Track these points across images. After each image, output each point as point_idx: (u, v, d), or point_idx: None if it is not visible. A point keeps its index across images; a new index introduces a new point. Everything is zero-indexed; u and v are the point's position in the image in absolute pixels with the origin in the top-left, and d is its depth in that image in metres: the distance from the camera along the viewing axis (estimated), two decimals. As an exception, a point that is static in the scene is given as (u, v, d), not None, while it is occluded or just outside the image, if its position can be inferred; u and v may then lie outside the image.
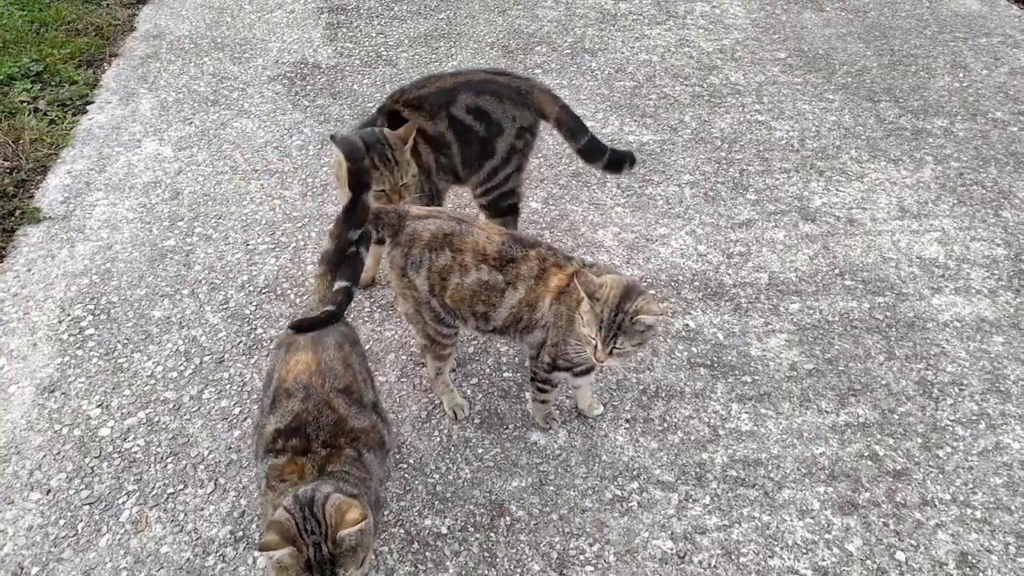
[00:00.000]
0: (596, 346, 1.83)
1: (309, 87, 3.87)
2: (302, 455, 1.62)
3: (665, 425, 2.28)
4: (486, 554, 1.95)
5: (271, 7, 4.63)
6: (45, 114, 3.55)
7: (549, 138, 3.51)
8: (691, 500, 2.08)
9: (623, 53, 4.27)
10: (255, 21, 4.48)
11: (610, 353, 1.83)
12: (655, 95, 3.89)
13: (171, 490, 2.09)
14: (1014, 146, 3.56)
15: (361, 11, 4.61)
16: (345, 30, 4.40)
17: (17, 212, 3.01)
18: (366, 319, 2.60)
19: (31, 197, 3.12)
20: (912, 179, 3.32)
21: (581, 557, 1.95)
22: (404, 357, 2.48)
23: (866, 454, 2.20)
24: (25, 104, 3.59)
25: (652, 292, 2.51)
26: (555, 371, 2.08)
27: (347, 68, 4.04)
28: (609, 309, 1.80)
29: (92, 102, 3.71)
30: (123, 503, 2.06)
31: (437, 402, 2.33)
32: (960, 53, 4.35)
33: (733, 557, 1.95)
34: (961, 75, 4.13)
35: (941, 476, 2.15)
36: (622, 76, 4.05)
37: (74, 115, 3.61)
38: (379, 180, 2.21)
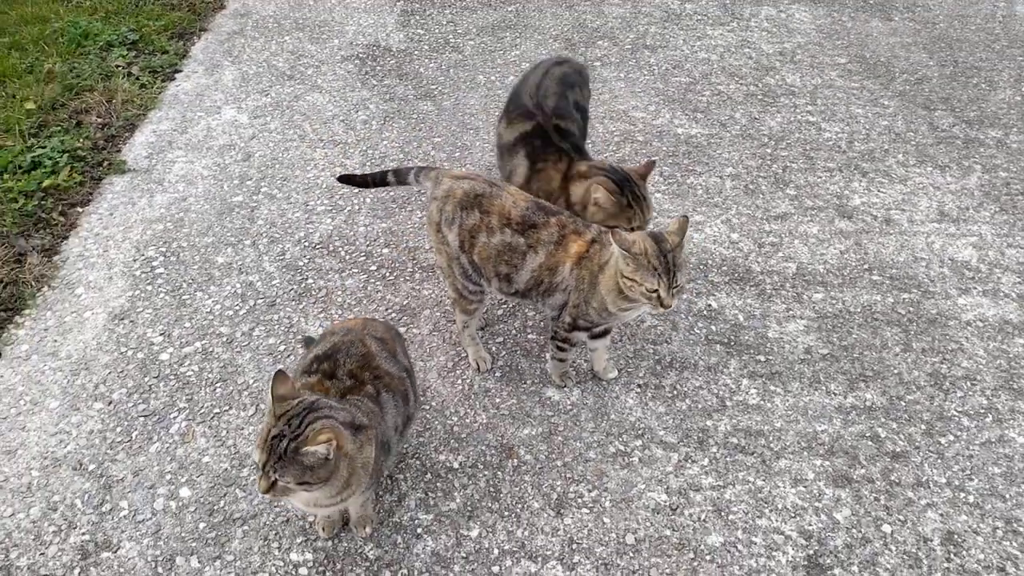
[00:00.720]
0: (660, 293, 1.94)
1: (379, 68, 4.11)
2: (329, 379, 1.81)
3: (675, 393, 2.40)
4: (491, 489, 2.12)
5: (351, -7, 4.90)
6: (137, 79, 3.87)
7: (600, 126, 3.66)
8: (690, 461, 2.20)
9: (683, 51, 4.37)
10: (335, 5, 4.75)
11: (674, 295, 1.96)
12: (709, 92, 3.99)
13: (217, 410, 2.32)
14: (1069, 160, 3.54)
15: (435, 0, 4.83)
16: (418, 17, 4.63)
17: (105, 163, 3.32)
18: (407, 278, 2.79)
19: (119, 151, 3.42)
20: (957, 185, 3.34)
21: (579, 500, 2.09)
22: (438, 314, 2.66)
23: (868, 435, 2.28)
24: (120, 68, 3.92)
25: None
26: (575, 331, 2.23)
27: (415, 52, 4.26)
28: (657, 255, 1.93)
29: (180, 71, 4.03)
30: (174, 418, 2.29)
31: (464, 354, 2.51)
32: (1027, 68, 4.31)
33: (723, 514, 2.07)
34: (1023, 88, 4.10)
35: (940, 461, 2.22)
36: (679, 72, 4.16)
37: (163, 81, 3.92)
38: (632, 218, 2.32)
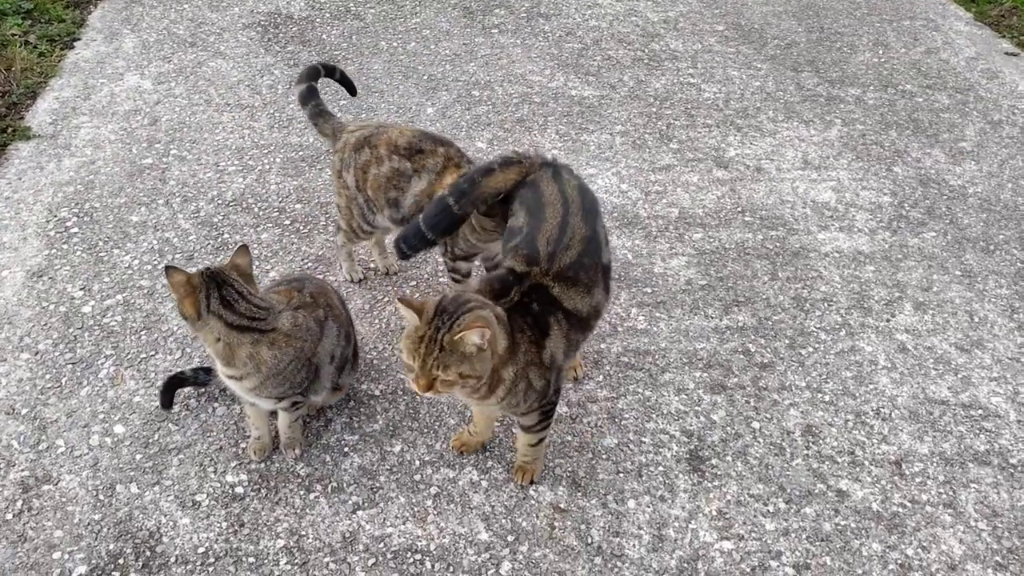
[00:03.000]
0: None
1: (281, 35, 4.20)
2: (294, 291, 2.01)
3: (573, 322, 2.66)
4: (411, 411, 2.33)
5: (249, -38, 4.93)
6: (35, 47, 3.85)
7: (499, 89, 3.88)
8: (587, 378, 2.46)
9: (575, 19, 4.63)
10: (234, -26, 4.78)
11: None
12: (599, 57, 4.26)
13: (144, 355, 2.44)
14: (916, 113, 3.97)
15: (334, -30, 4.92)
16: (318, -14, 4.72)
17: (9, 130, 3.32)
18: (321, 231, 2.95)
19: (21, 118, 3.42)
20: (819, 137, 3.72)
21: (490, 416, 2.33)
22: (353, 261, 2.84)
23: (740, 350, 2.60)
24: (16, 37, 3.88)
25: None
26: (456, 260, 2.45)
27: (317, 20, 4.37)
28: None
29: (79, 39, 4.02)
30: (102, 364, 2.40)
31: (379, 296, 2.70)
32: (884, 33, 4.76)
33: (616, 420, 2.34)
34: (881, 52, 4.54)
35: (801, 369, 2.56)
36: (571, 39, 4.42)
37: (62, 49, 3.91)
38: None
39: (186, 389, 2.32)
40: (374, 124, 2.49)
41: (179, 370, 2.28)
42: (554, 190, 1.99)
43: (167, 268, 1.75)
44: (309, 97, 2.61)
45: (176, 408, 2.28)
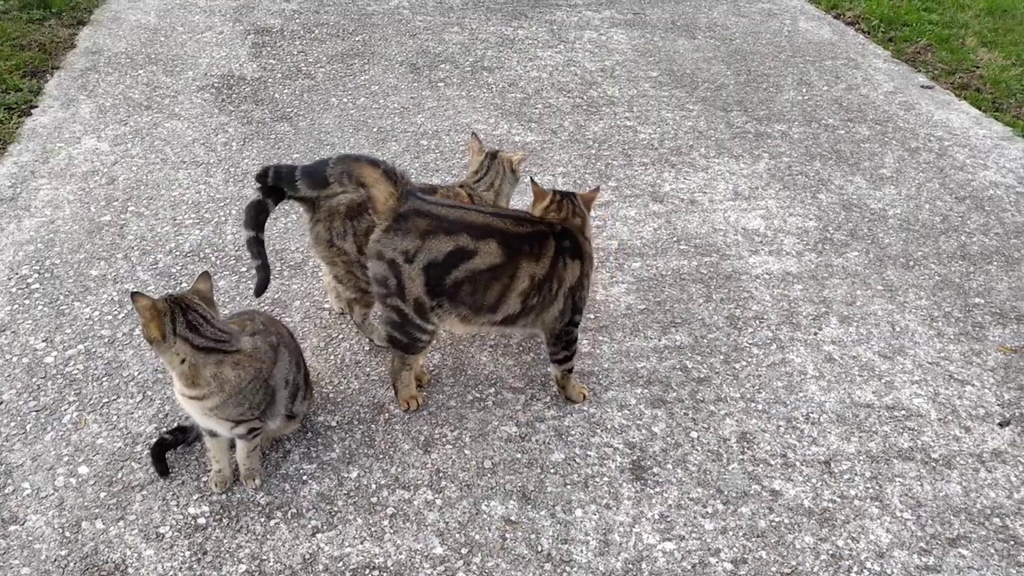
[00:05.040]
0: None
1: (235, 95, 4.37)
2: (248, 322, 2.16)
3: (521, 349, 2.80)
4: (367, 439, 2.43)
5: (201, 29, 5.13)
6: (-8, 115, 3.97)
7: (446, 137, 4.07)
8: (535, 400, 2.60)
9: (517, 71, 4.87)
10: (187, 41, 4.97)
11: None
12: (541, 105, 4.49)
13: (106, 400, 2.52)
14: (839, 145, 4.24)
15: (284, 33, 5.14)
16: (269, 48, 4.92)
17: (-32, 194, 3.42)
18: (276, 276, 3.07)
19: (-20, 183, 3.52)
20: (748, 170, 3.96)
21: (443, 439, 2.44)
22: (308, 303, 2.96)
23: (678, 367, 2.76)
24: (-27, 107, 4.00)
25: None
26: None
27: (269, 80, 4.55)
28: None
29: (36, 106, 4.15)
30: (65, 410, 2.48)
31: (333, 336, 2.82)
32: (807, 73, 5.07)
33: (563, 437, 2.47)
34: (804, 90, 4.83)
35: (735, 381, 2.72)
36: (514, 89, 4.65)
37: (19, 116, 4.03)
38: None
39: (148, 430, 2.40)
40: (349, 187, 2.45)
41: (158, 438, 2.33)
42: None
43: (133, 294, 1.87)
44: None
45: (139, 447, 2.36)
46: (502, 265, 2.26)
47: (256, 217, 2.44)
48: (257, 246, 2.44)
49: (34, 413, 2.46)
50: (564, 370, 2.53)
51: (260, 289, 2.50)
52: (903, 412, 2.62)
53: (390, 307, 2.31)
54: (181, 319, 1.91)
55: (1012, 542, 2.21)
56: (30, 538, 2.10)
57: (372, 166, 2.27)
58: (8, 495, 2.21)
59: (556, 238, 2.36)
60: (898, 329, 2.98)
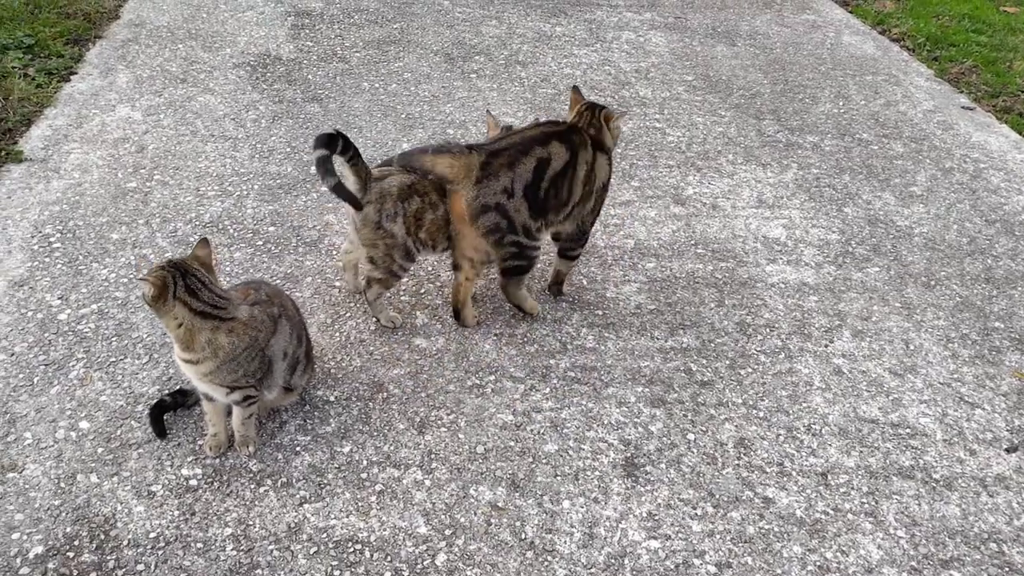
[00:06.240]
0: None
1: (269, 74, 4.42)
2: (253, 291, 2.20)
3: (525, 339, 2.80)
4: (363, 416, 2.45)
5: (244, 7, 5.21)
6: (33, 79, 4.06)
7: (473, 128, 4.08)
8: (534, 390, 2.59)
9: (551, 67, 4.87)
10: (228, 18, 5.04)
11: None
12: (571, 101, 4.47)
13: (113, 359, 2.57)
14: (871, 160, 4.17)
15: (324, 16, 5.20)
16: (308, 31, 4.98)
17: (2, 153, 3.50)
18: (291, 252, 3.11)
19: (15, 143, 3.61)
20: (775, 179, 3.91)
21: (439, 422, 2.45)
22: (319, 280, 2.99)
23: (682, 369, 2.74)
24: (16, 70, 4.10)
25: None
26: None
27: (304, 62, 4.60)
28: None
29: (75, 73, 4.24)
30: (72, 366, 2.53)
31: (341, 312, 2.84)
32: (846, 86, 5.00)
33: (559, 429, 2.46)
34: (841, 103, 4.77)
35: (739, 387, 2.69)
36: (546, 85, 4.64)
37: (59, 82, 4.12)
38: None
39: (151, 391, 2.44)
40: (395, 168, 2.60)
41: (158, 399, 2.37)
42: None
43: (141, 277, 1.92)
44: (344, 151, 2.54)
45: (140, 407, 2.40)
46: (568, 160, 2.64)
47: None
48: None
49: (43, 367, 2.52)
50: (571, 268, 2.97)
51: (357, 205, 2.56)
52: (908, 430, 2.57)
53: (507, 244, 2.62)
54: (181, 283, 1.94)
55: (1007, 568, 2.16)
56: (27, 486, 2.15)
57: (424, 153, 2.57)
58: (10, 443, 2.26)
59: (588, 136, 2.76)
60: (912, 347, 2.92)
